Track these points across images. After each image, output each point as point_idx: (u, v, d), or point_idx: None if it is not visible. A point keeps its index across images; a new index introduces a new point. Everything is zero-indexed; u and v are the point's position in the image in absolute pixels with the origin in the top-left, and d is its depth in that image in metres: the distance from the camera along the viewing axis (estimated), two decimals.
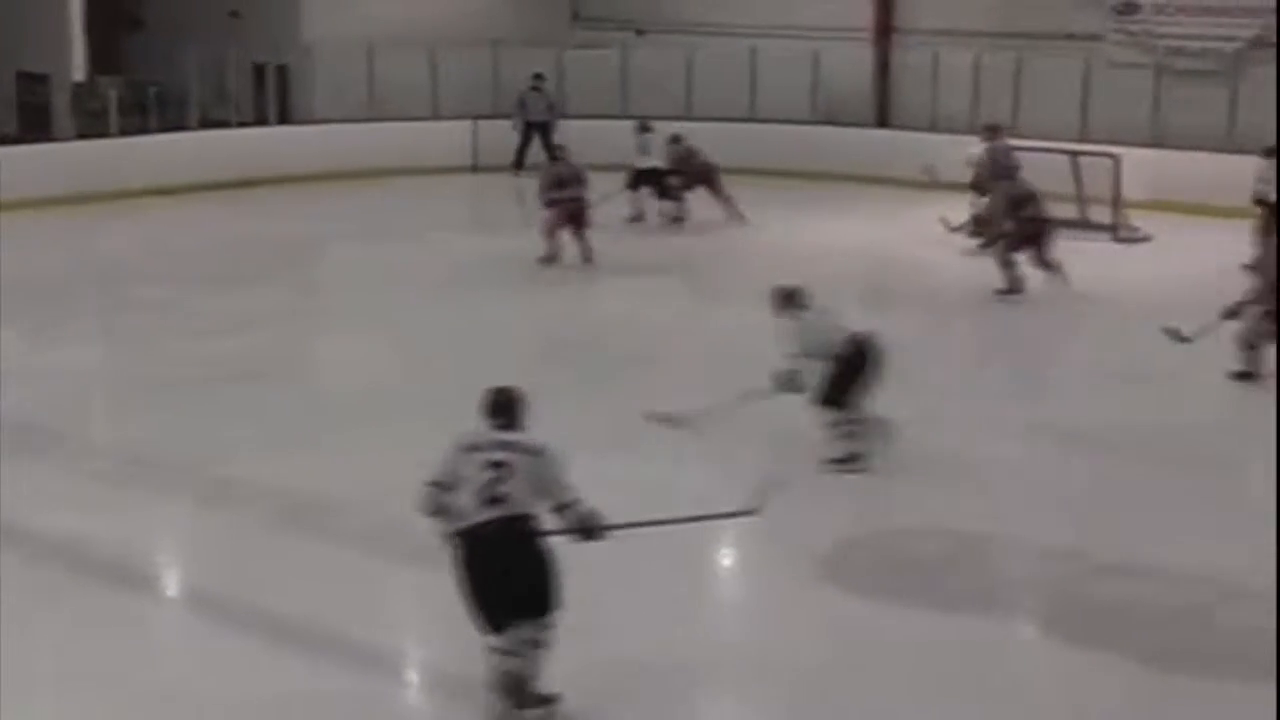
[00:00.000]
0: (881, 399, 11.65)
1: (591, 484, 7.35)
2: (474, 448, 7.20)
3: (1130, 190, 20.58)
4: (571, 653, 7.84)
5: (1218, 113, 22.49)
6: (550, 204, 18.17)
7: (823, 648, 8.22)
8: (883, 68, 26.23)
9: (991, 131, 19.93)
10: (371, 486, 10.10)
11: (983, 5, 25.15)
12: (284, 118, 25.30)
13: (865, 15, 26.26)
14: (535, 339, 15.13)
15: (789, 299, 11.15)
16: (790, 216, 21.47)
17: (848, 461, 10.91)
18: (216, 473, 10.76)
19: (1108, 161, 20.54)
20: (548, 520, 7.18)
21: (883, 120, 25.96)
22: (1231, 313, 13.37)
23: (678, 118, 25.08)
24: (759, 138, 25.12)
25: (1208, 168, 21.16)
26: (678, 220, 21.40)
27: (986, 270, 16.86)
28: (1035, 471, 11.12)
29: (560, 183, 18.26)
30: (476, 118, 25.09)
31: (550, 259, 18.04)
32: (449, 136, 24.92)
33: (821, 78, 26.01)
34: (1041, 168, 20.27)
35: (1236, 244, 19.48)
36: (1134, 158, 20.85)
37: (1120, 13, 23.83)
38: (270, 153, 23.61)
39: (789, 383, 10.90)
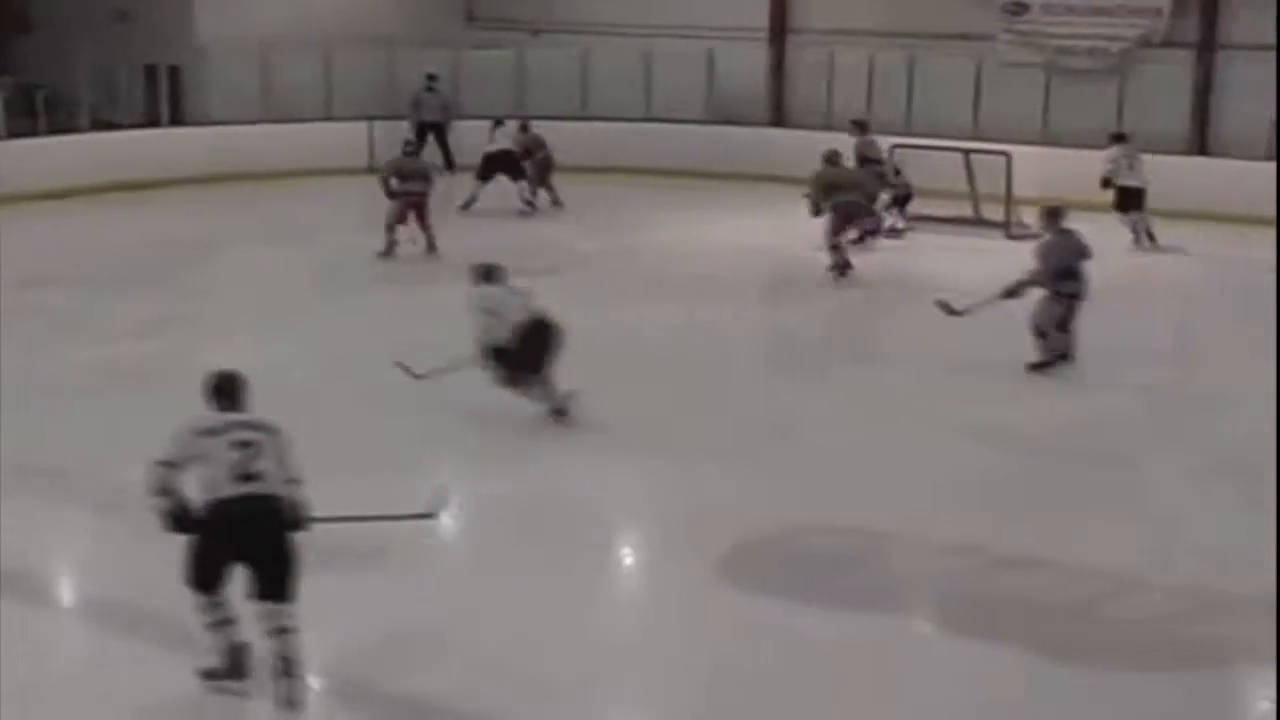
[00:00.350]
0: (775, 393, 11.76)
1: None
2: (211, 431, 7.44)
3: (1021, 188, 20.84)
4: (468, 658, 7.92)
5: (1106, 111, 22.86)
6: (391, 196, 18.54)
7: (724, 648, 8.22)
8: (778, 67, 26.41)
9: (858, 127, 20.72)
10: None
11: (876, 5, 25.40)
12: (177, 119, 25.01)
13: (760, 15, 26.42)
14: (434, 337, 15.03)
15: (484, 274, 12.12)
16: (683, 216, 21.58)
17: (560, 412, 11.88)
18: (112, 478, 10.59)
19: (1000, 159, 20.81)
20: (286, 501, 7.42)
21: (778, 120, 26.13)
22: (1010, 293, 13.61)
23: (574, 118, 25.20)
24: (654, 137, 25.23)
25: (1096, 166, 21.44)
26: (529, 206, 21.93)
27: (873, 267, 17.08)
28: (929, 467, 11.17)
29: (402, 176, 18.66)
30: (372, 118, 24.99)
31: (388, 251, 18.33)
32: (344, 137, 24.80)
33: (716, 77, 26.17)
34: (935, 165, 20.59)
35: (1126, 239, 19.85)
36: (1025, 155, 21.14)
37: (1010, 13, 24.16)
38: (163, 155, 23.35)
39: (484, 347, 11.81)
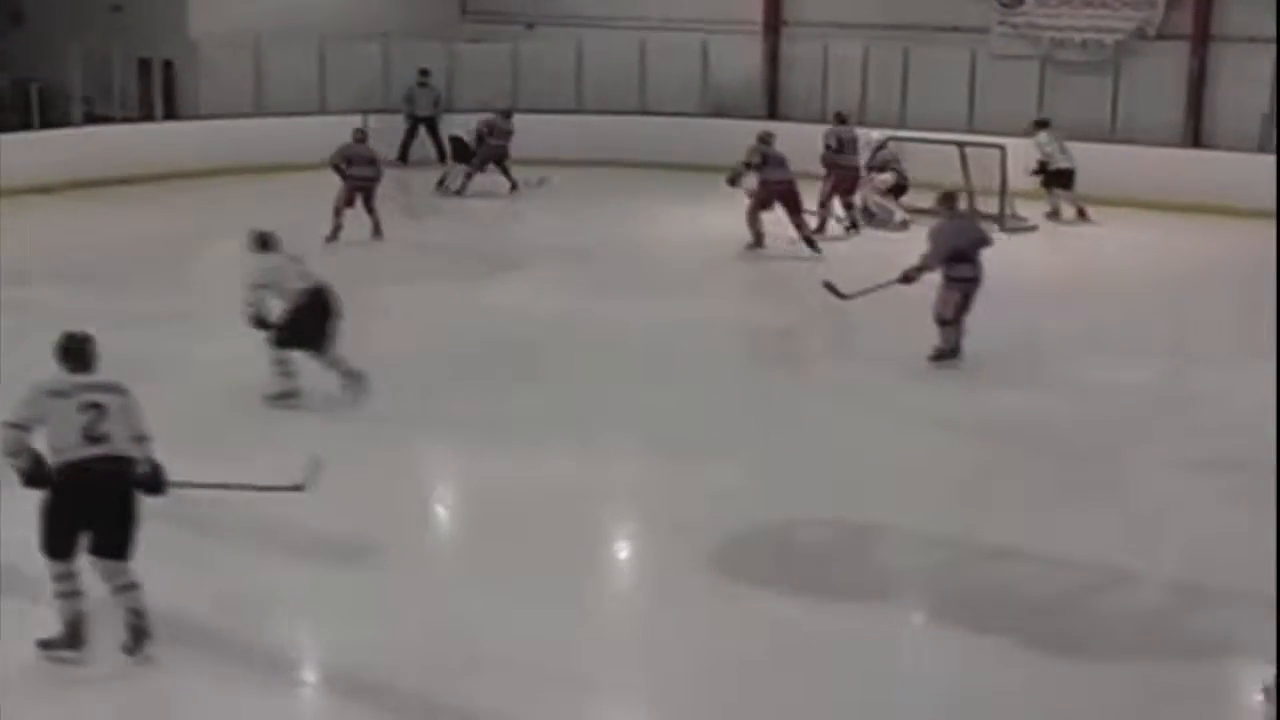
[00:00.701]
0: (764, 387, 11.75)
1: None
2: (61, 393, 7.63)
3: (1017, 180, 20.84)
4: (465, 653, 7.92)
5: (1100, 104, 22.85)
6: (342, 177, 19.17)
7: (715, 641, 8.22)
8: (772, 60, 26.38)
9: (839, 118, 20.91)
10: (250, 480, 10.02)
11: None
12: (170, 113, 25.01)
13: (754, 8, 26.41)
14: (416, 334, 15.01)
15: (259, 241, 12.41)
16: (678, 209, 21.58)
17: (283, 397, 12.02)
18: None
19: (994, 152, 20.78)
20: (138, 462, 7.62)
21: (772, 112, 26.09)
22: (905, 278, 13.61)
23: (569, 111, 25.24)
24: (650, 130, 25.20)
25: (1091, 158, 21.44)
26: (441, 185, 23.26)
27: (869, 259, 17.06)
28: (915, 461, 11.18)
29: (350, 161, 19.25)
30: (365, 112, 24.93)
31: (333, 235, 18.80)
32: (337, 131, 24.69)
33: (711, 70, 26.13)
34: (930, 158, 20.58)
35: (1121, 231, 19.88)
36: (1020, 148, 21.10)
37: (1005, 5, 24.11)
38: (156, 148, 23.34)
39: (254, 316, 12.01)
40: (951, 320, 13.48)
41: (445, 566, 9.53)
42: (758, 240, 18.70)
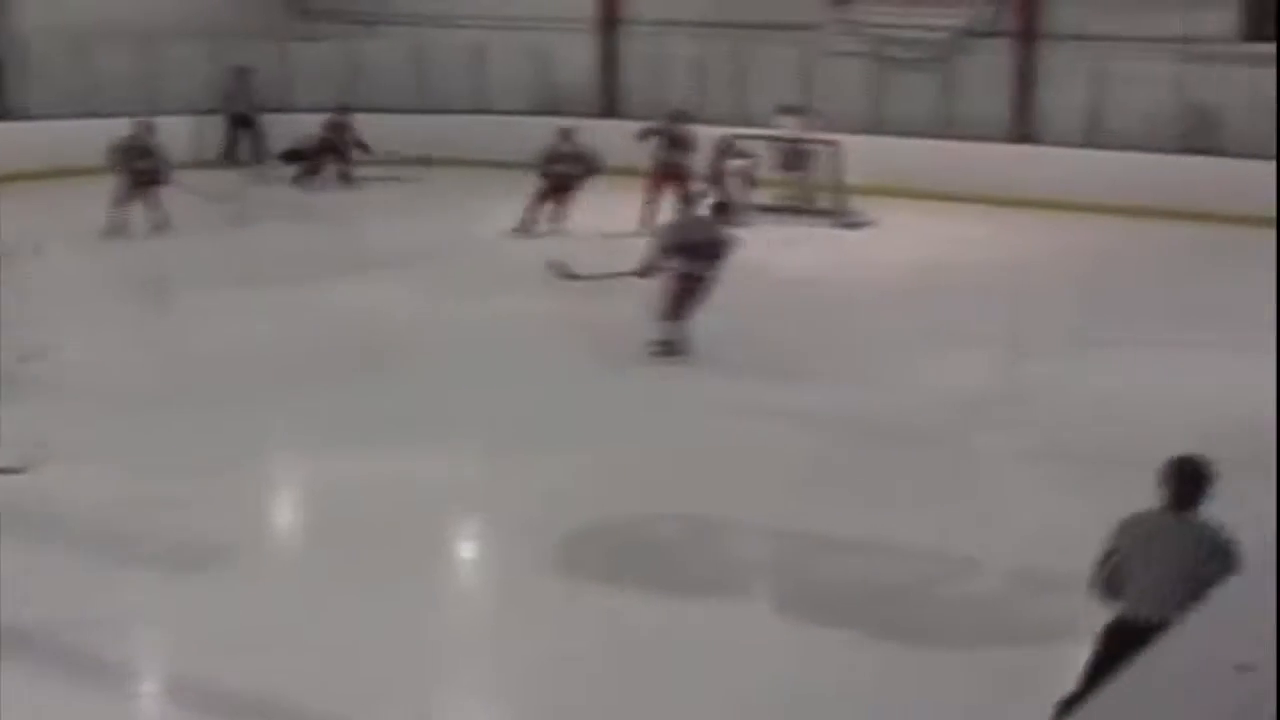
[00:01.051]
0: (605, 384, 11.86)
1: None
2: None
3: (852, 176, 21.09)
4: (306, 657, 7.85)
5: (933, 99, 23.21)
6: (120, 173, 19.17)
7: (557, 639, 8.22)
8: (609, 58, 26.43)
9: (675, 116, 20.88)
10: (104, 490, 9.88)
11: None
12: None
13: (592, 6, 26.41)
14: (258, 336, 14.83)
15: None
16: (516, 208, 21.52)
17: None
18: None
19: (829, 149, 21.03)
20: None
21: (610, 111, 26.14)
22: (643, 272, 13.85)
23: (408, 110, 25.09)
24: (487, 128, 25.14)
25: (921, 155, 21.81)
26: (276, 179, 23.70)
27: None
28: (758, 454, 11.26)
29: (127, 153, 19.30)
30: (197, 113, 24.61)
31: (116, 229, 18.92)
32: (169, 132, 24.30)
33: (548, 68, 26.13)
34: (766, 155, 20.79)
35: (954, 226, 20.22)
36: (854, 144, 21.35)
37: (836, 2, 24.30)
38: None
39: None
40: (673, 314, 13.59)
41: (288, 569, 9.43)
42: (528, 227, 19.76)
